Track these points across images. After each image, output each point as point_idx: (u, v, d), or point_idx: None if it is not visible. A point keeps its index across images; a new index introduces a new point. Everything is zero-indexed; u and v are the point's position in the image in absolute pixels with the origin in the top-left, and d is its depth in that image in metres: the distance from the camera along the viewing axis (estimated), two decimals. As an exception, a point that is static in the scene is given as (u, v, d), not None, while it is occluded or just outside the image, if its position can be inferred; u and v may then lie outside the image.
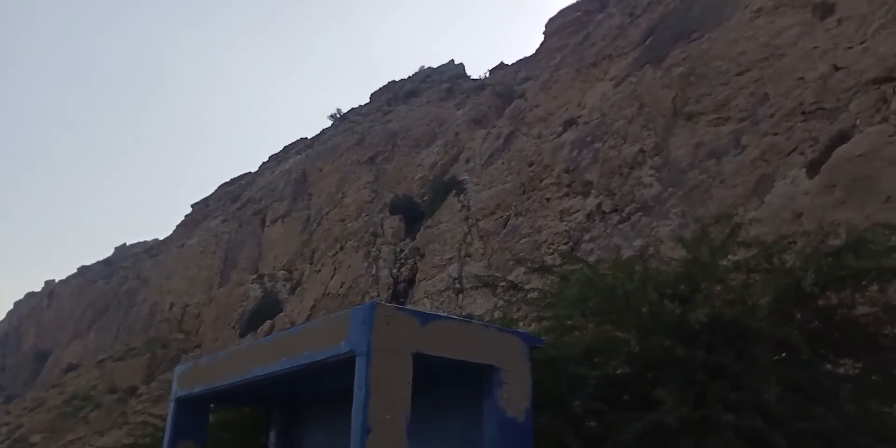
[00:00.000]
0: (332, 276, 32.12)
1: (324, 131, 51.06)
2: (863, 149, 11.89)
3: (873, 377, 6.37)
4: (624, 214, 18.98)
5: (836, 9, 16.52)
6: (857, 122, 13.47)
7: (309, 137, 52.63)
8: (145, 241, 70.91)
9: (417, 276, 27.56)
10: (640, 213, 18.43)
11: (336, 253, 33.86)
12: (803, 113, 15.19)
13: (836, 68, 15.11)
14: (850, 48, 15.25)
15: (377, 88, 50.96)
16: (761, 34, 18.42)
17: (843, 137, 12.87)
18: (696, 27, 22.14)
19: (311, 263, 36.49)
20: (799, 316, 6.51)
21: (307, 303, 32.06)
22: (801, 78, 15.90)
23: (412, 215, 31.69)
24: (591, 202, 20.68)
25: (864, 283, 6.70)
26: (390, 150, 39.97)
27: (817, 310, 6.66)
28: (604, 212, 19.95)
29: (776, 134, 15.54)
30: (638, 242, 17.03)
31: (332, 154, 44.00)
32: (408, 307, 3.89)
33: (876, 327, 6.74)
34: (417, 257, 28.49)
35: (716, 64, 19.40)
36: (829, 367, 6.46)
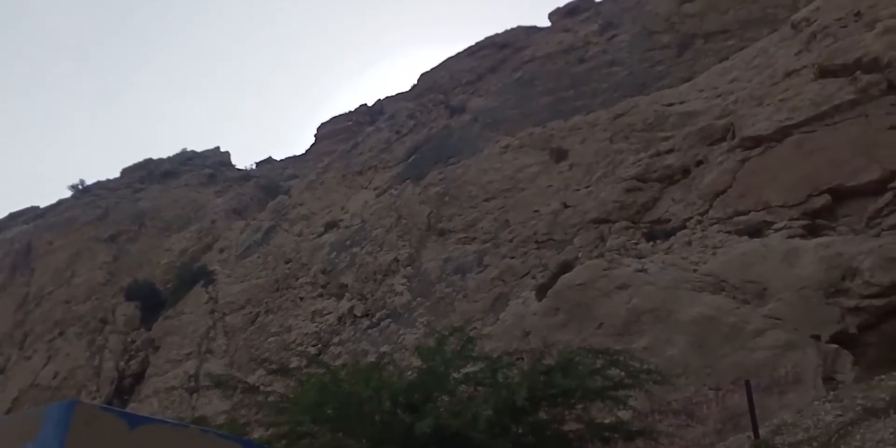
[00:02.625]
0: (46, 365, 28.41)
1: (61, 202, 46.51)
2: (582, 279, 13.53)
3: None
4: (374, 320, 19.42)
5: (569, 155, 19.18)
6: (579, 254, 15.40)
7: (42, 207, 47.63)
8: None
9: (148, 370, 25.36)
10: (389, 320, 18.97)
11: (54, 338, 30.16)
12: (536, 242, 17.07)
13: (566, 206, 17.35)
14: (578, 190, 17.66)
15: (131, 164, 48.06)
16: (507, 168, 20.68)
17: (567, 267, 14.57)
18: (453, 153, 24.26)
19: (20, 348, 32.02)
20: (515, 429, 7.06)
21: (9, 394, 27.85)
22: (537, 211, 17.99)
23: (151, 303, 29.40)
24: (344, 305, 20.93)
25: (572, 401, 7.50)
26: (136, 230, 37.37)
27: (532, 424, 7.28)
28: (355, 316, 20.25)
29: (513, 257, 17.20)
30: (385, 348, 17.40)
31: (66, 227, 39.99)
32: (116, 408, 3.62)
33: (580, 444, 7.49)
34: (151, 350, 26.34)
35: (468, 188, 21.26)
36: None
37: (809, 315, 10.43)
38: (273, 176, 39.02)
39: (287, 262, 25.36)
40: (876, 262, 10.34)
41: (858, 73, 13.89)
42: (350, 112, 39.88)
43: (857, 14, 15.34)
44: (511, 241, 17.73)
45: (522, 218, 18.12)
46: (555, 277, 14.26)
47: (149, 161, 48.90)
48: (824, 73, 14.73)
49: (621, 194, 16.11)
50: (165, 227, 37.06)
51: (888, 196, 11.88)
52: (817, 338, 10.09)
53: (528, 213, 18.09)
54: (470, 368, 8.19)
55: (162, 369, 24.61)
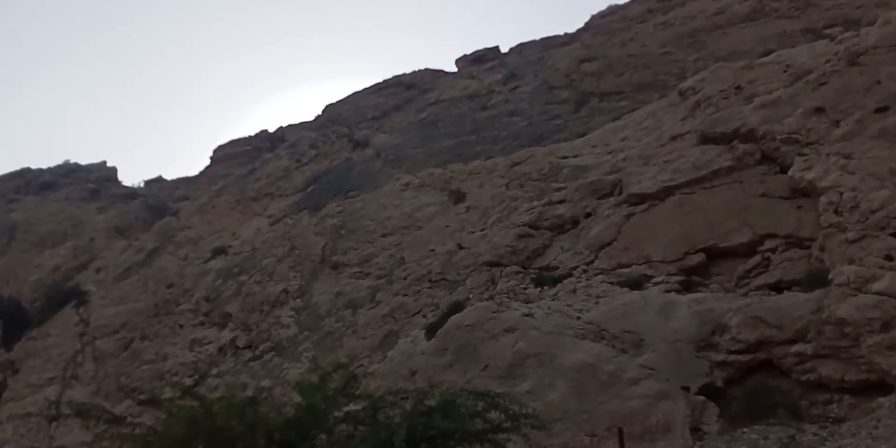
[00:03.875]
0: None
1: (-76, 208, 43.02)
2: (471, 320, 13.70)
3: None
4: (257, 352, 18.86)
5: (467, 198, 19.60)
6: (471, 296, 15.64)
7: None
8: None
9: (5, 394, 23.54)
10: (273, 353, 18.47)
11: None
12: (430, 280, 17.22)
13: (461, 247, 17.65)
14: (473, 233, 18.02)
15: (6, 172, 45.17)
16: (406, 205, 20.88)
17: (458, 307, 14.73)
18: (353, 186, 24.26)
19: None
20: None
21: None
22: (433, 250, 18.19)
23: (14, 322, 27.40)
24: (227, 335, 20.25)
25: (451, 443, 7.56)
26: (6, 242, 34.97)
27: (409, 467, 7.27)
28: (237, 347, 19.62)
29: (406, 295, 17.24)
30: (266, 382, 16.92)
31: (-75, 236, 36.99)
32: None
33: (457, 486, 7.54)
34: (9, 372, 24.51)
35: (365, 223, 21.27)
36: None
37: (681, 367, 10.99)
38: (162, 196, 37.60)
39: (169, 287, 24.36)
40: (743, 319, 11.07)
41: (736, 142, 15.02)
42: (250, 137, 39.20)
43: (738, 87, 16.67)
44: (405, 278, 17.80)
45: (418, 256, 18.27)
46: (445, 317, 14.36)
47: (26, 170, 46.22)
48: (705, 139, 15.84)
49: (514, 239, 16.55)
50: (38, 241, 34.90)
51: (757, 258, 12.79)
52: (687, 389, 10.62)
53: (424, 252, 18.26)
54: (352, 407, 8.13)
55: (20, 394, 22.90)
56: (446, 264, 17.33)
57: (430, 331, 14.47)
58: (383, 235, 20.27)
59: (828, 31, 19.35)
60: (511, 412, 8.04)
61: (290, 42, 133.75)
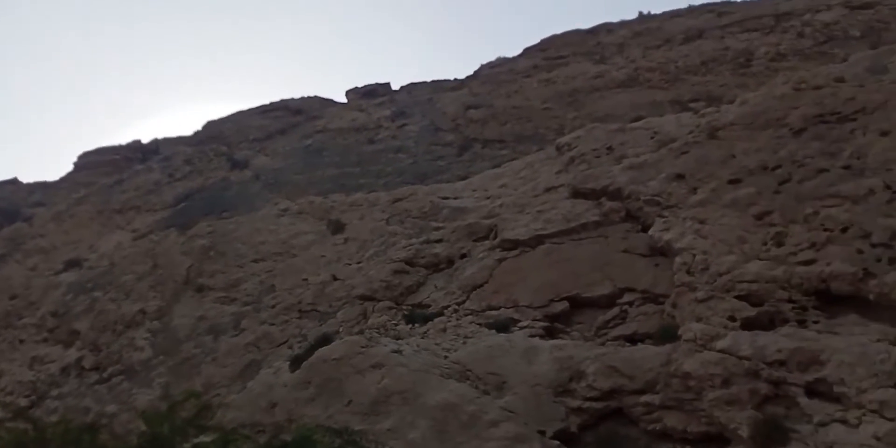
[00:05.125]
0: None
1: None
2: (339, 354, 13.59)
3: None
4: (105, 375, 17.73)
5: (346, 229, 19.60)
6: (341, 329, 15.56)
7: None
8: None
9: None
10: (122, 376, 17.43)
11: None
12: (300, 311, 16.96)
13: (335, 279, 17.55)
14: (349, 265, 18.00)
15: None
16: (282, 231, 20.57)
17: (326, 340, 14.59)
18: (227, 207, 23.63)
19: None
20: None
21: None
22: (306, 279, 17.97)
23: None
24: (72, 355, 18.93)
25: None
26: None
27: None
28: (83, 368, 18.36)
29: (273, 324, 16.87)
30: (112, 408, 15.95)
31: None
32: None
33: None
34: None
35: (236, 246, 20.72)
36: None
37: (539, 411, 11.40)
38: (15, 199, 34.89)
39: (12, 299, 22.58)
40: (599, 368, 11.67)
41: (604, 198, 16.00)
42: (120, 146, 37.27)
43: (610, 148, 17.84)
44: (273, 306, 17.45)
45: (289, 285, 17.99)
46: (312, 349, 14.15)
47: None
48: (577, 193, 16.78)
49: (389, 274, 16.69)
50: None
51: (615, 310, 13.57)
52: (543, 433, 11.01)
53: (297, 281, 18.02)
54: (202, 439, 7.93)
55: None
56: (318, 295, 17.18)
57: (295, 362, 14.20)
58: (255, 260, 19.83)
59: (693, 105, 21.19)
60: (367, 450, 8.09)
61: (174, 60, 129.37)
